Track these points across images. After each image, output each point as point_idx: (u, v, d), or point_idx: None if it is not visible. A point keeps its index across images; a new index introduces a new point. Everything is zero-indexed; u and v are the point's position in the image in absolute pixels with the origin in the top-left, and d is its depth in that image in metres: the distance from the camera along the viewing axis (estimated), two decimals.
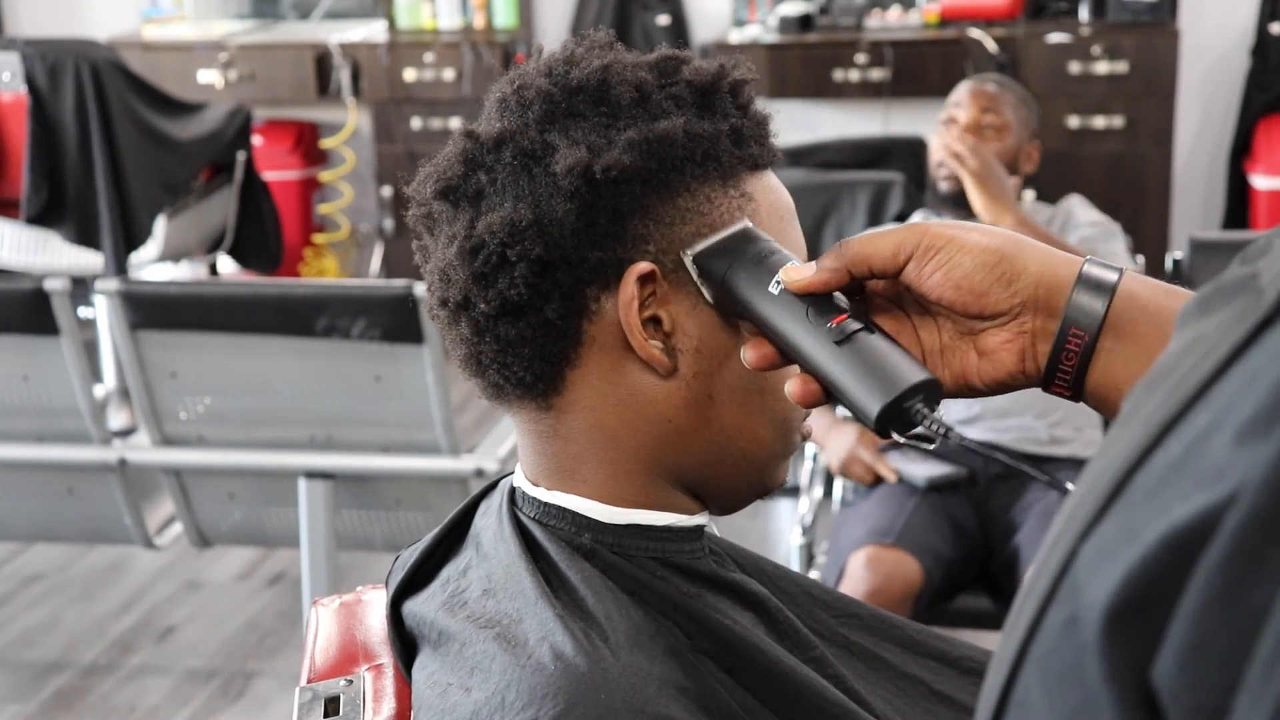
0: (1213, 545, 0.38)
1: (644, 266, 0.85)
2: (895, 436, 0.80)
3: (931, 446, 0.81)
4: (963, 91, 2.79)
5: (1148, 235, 4.36)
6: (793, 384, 0.82)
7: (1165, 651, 0.39)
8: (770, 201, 0.91)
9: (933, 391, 0.80)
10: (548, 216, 0.85)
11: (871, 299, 0.84)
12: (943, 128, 2.76)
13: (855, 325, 0.80)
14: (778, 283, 0.83)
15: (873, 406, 0.78)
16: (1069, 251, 0.81)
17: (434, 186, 0.89)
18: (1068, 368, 0.78)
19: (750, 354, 0.84)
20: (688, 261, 0.86)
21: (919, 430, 0.80)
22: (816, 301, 0.82)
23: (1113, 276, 0.78)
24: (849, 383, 0.79)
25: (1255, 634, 0.37)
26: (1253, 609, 0.37)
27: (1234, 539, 0.38)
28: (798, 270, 0.82)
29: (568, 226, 0.85)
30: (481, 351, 0.88)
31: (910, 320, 0.83)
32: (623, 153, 0.85)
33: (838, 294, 0.83)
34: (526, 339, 0.87)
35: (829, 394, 0.82)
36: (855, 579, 2.31)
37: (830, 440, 2.61)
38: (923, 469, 2.50)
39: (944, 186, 2.71)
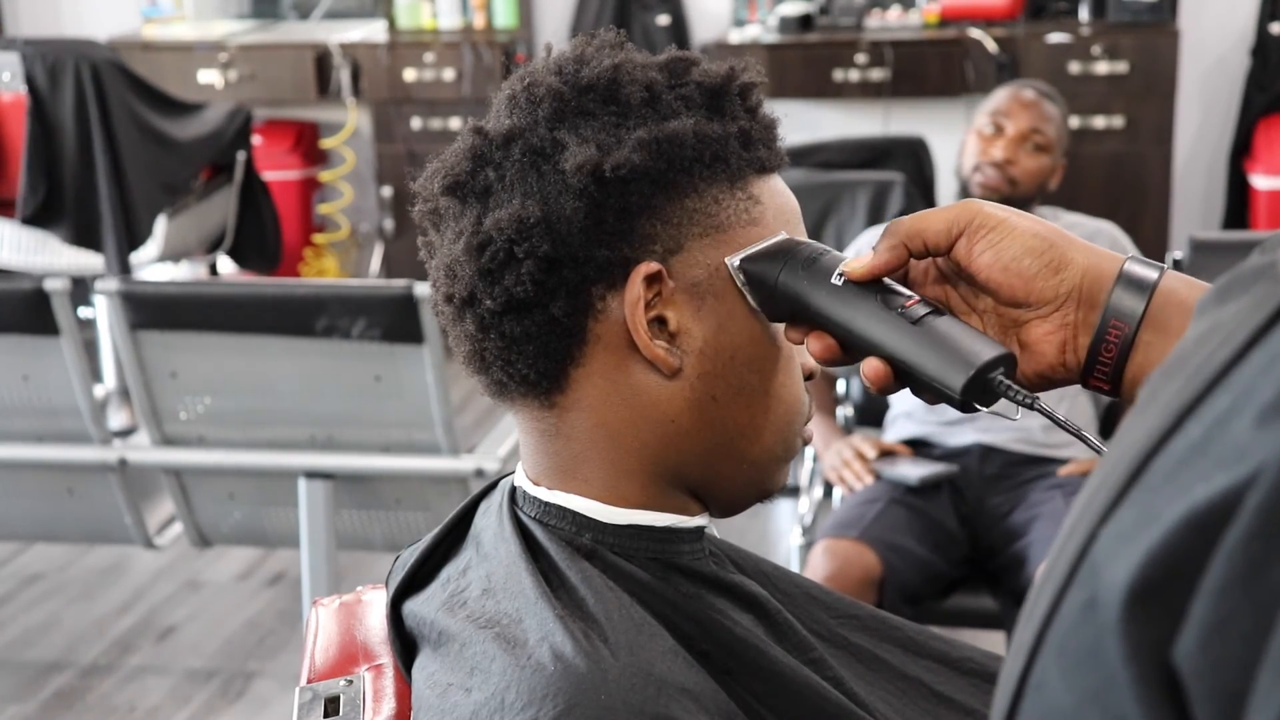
0: (1234, 525, 0.39)
1: (651, 266, 0.85)
2: (979, 409, 0.81)
3: (1017, 418, 0.82)
4: (1010, 99, 2.74)
5: (1148, 235, 4.36)
6: (868, 364, 0.83)
7: (1186, 631, 0.39)
8: (777, 205, 0.91)
9: (1010, 365, 0.81)
10: (556, 214, 0.85)
11: (921, 291, 0.86)
12: (982, 134, 2.72)
13: (926, 308, 0.83)
14: (840, 275, 0.84)
15: (957, 380, 0.80)
16: None
17: (441, 182, 0.89)
18: (1107, 359, 0.79)
19: (815, 345, 0.85)
20: (732, 268, 0.87)
21: (1000, 403, 0.81)
22: (883, 290, 0.84)
23: (1154, 274, 0.80)
24: (929, 361, 0.81)
25: (1277, 611, 0.37)
26: (1274, 586, 0.37)
27: (1255, 518, 0.38)
28: (858, 260, 0.84)
29: (576, 224, 0.85)
30: (486, 348, 0.88)
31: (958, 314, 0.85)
32: (632, 152, 0.85)
33: (898, 285, 0.84)
34: (531, 336, 0.87)
35: (899, 377, 0.83)
36: (813, 566, 2.37)
37: (827, 451, 2.63)
38: (914, 469, 2.52)
39: (979, 193, 2.69)
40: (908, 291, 0.84)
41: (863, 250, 2.78)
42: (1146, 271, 0.80)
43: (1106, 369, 0.80)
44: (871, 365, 0.83)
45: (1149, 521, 0.42)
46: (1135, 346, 0.78)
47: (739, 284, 0.87)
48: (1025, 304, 0.81)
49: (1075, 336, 0.80)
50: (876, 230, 2.85)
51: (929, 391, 0.82)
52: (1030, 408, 0.80)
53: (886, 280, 0.85)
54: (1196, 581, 0.39)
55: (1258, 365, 0.42)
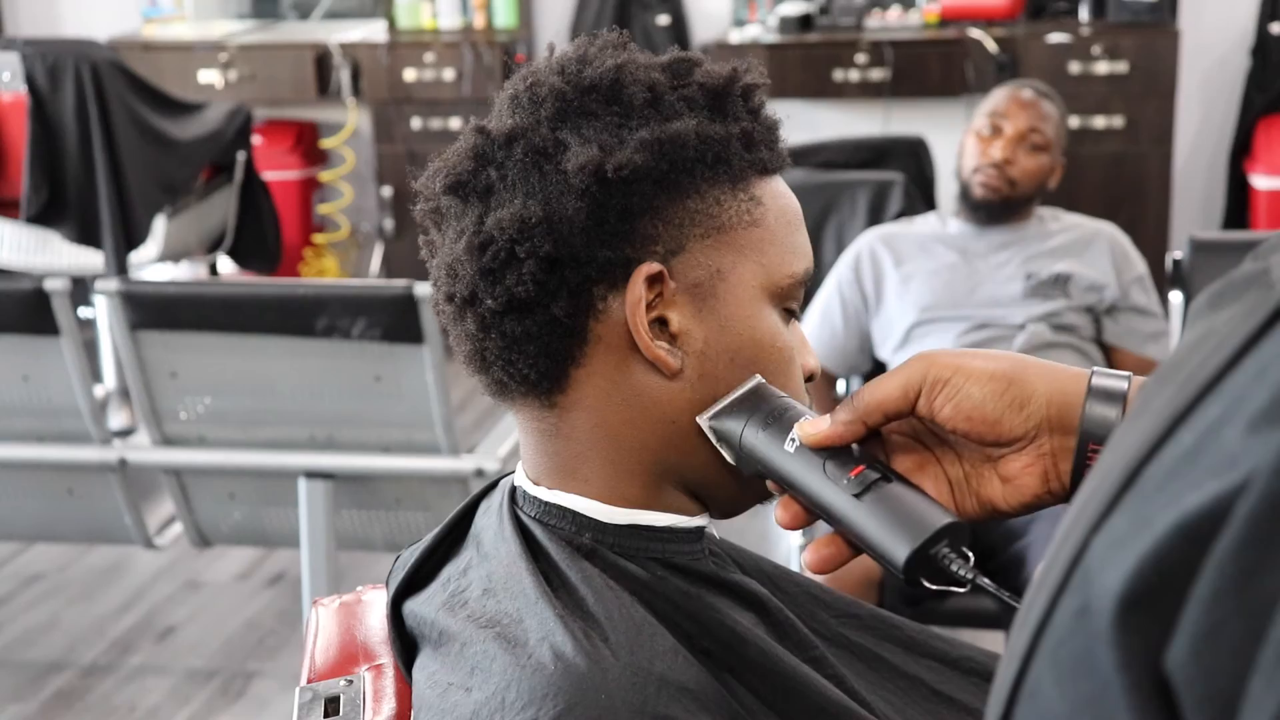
0: (1225, 532, 0.39)
1: (652, 267, 0.85)
2: (926, 585, 0.79)
3: (963, 591, 0.79)
4: (1008, 100, 2.74)
5: (1148, 235, 4.36)
6: (809, 555, 0.83)
7: (1178, 639, 0.39)
8: (779, 207, 0.91)
9: (957, 533, 0.79)
10: (558, 214, 0.85)
11: (889, 439, 0.85)
12: (980, 135, 2.72)
13: (873, 475, 0.80)
14: (793, 439, 0.83)
15: (899, 556, 0.78)
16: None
17: (443, 181, 0.89)
18: None
19: (781, 514, 0.85)
20: (704, 426, 0.87)
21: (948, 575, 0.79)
22: (834, 454, 0.82)
23: (1123, 385, 0.79)
24: (873, 535, 0.79)
25: (1268, 619, 0.37)
26: (1265, 594, 0.37)
27: (1246, 526, 0.38)
28: (813, 425, 0.83)
29: (577, 224, 0.85)
30: (486, 348, 0.88)
31: (933, 453, 0.84)
32: (635, 152, 0.85)
33: (853, 447, 0.83)
34: (532, 336, 0.87)
35: (856, 549, 0.81)
36: None
37: None
38: None
39: (980, 194, 2.69)
40: (858, 455, 0.82)
41: (862, 256, 2.79)
42: (1115, 383, 0.79)
43: None
44: (814, 548, 0.83)
45: (1141, 529, 0.42)
46: None
47: (713, 441, 0.86)
48: (996, 444, 0.80)
49: (1055, 464, 0.79)
50: (876, 232, 2.85)
51: (880, 564, 0.80)
52: (973, 584, 0.78)
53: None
54: (1188, 589, 0.39)
55: (1249, 372, 0.42)
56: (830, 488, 0.81)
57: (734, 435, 0.85)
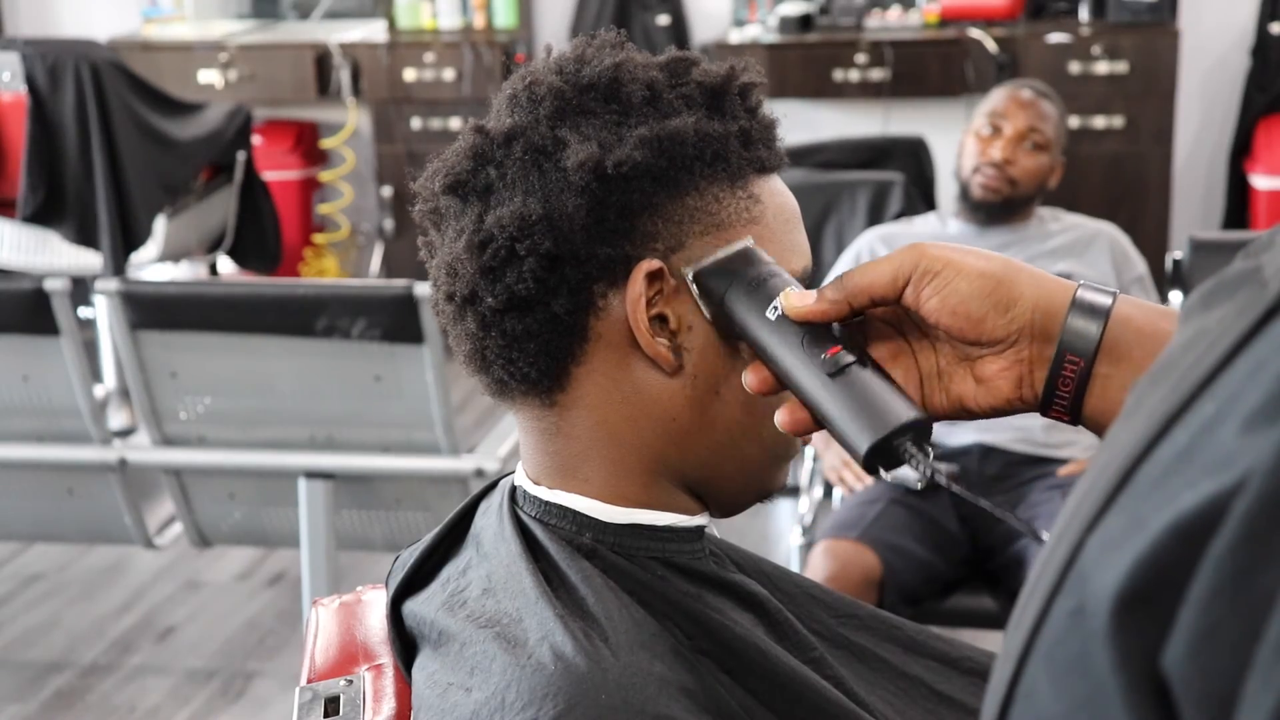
0: (1221, 532, 0.38)
1: (652, 264, 0.85)
2: (883, 474, 0.80)
3: (919, 487, 0.80)
4: (1007, 100, 2.74)
5: (1148, 235, 4.36)
6: (782, 414, 0.83)
7: (1175, 639, 0.39)
8: (776, 204, 0.91)
9: (922, 430, 0.80)
10: (558, 211, 0.85)
11: (871, 322, 0.85)
12: (980, 135, 2.72)
13: (849, 358, 0.80)
14: (775, 308, 0.83)
15: (862, 444, 0.79)
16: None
17: (442, 181, 0.89)
18: (1064, 394, 0.78)
19: (750, 378, 0.84)
20: (688, 278, 0.86)
21: (905, 468, 0.80)
22: (812, 330, 0.82)
23: (1106, 301, 0.78)
24: (839, 417, 0.80)
25: (1265, 618, 0.37)
26: (1262, 594, 0.37)
27: (1242, 525, 0.38)
28: (799, 297, 0.83)
29: (577, 222, 0.85)
30: (486, 347, 0.88)
31: (909, 344, 0.83)
32: (634, 149, 0.85)
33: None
34: (533, 334, 0.87)
35: (819, 424, 0.82)
36: (814, 567, 2.38)
37: (827, 451, 2.64)
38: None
39: (980, 194, 2.69)
40: (837, 334, 0.82)
41: (862, 255, 2.79)
42: (1099, 298, 0.78)
43: (1065, 402, 0.79)
44: (784, 412, 0.83)
45: (1136, 529, 0.41)
46: (1092, 378, 0.77)
47: (694, 296, 0.86)
48: (976, 343, 0.80)
49: (1031, 371, 0.79)
50: (876, 232, 2.85)
51: (841, 446, 0.81)
52: (932, 479, 0.79)
53: None
54: (1184, 589, 0.39)
55: (1243, 371, 0.42)
56: (804, 363, 0.81)
57: (717, 293, 0.85)
